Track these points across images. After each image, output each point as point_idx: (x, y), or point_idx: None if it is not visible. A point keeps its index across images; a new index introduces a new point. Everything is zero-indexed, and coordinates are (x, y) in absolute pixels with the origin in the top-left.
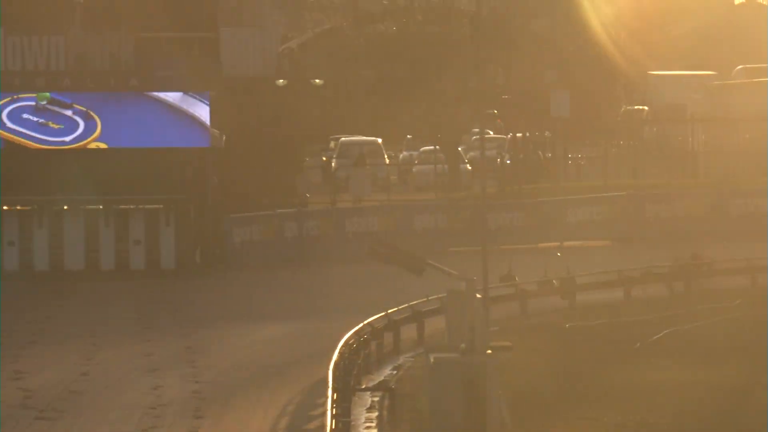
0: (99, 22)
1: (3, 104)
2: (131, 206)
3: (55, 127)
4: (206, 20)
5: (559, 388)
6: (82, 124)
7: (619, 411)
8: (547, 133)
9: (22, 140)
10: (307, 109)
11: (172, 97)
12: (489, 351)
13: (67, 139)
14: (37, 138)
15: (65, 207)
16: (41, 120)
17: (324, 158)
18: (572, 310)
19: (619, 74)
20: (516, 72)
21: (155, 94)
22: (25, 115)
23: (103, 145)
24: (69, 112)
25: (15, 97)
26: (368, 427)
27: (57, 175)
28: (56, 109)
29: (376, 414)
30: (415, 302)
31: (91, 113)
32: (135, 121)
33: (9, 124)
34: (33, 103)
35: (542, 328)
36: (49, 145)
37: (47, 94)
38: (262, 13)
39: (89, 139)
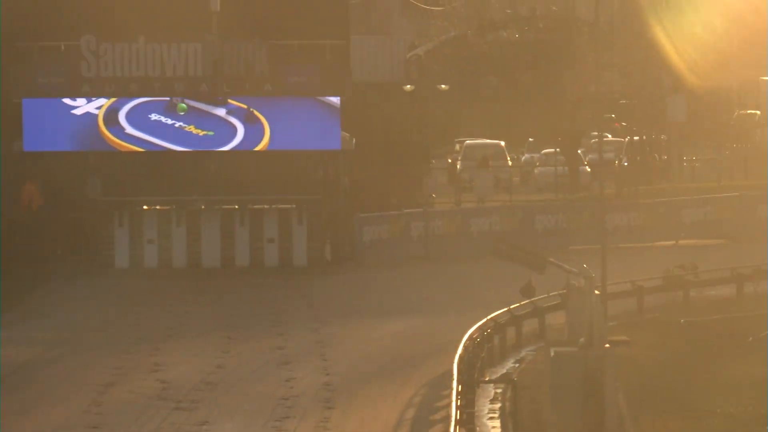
0: (234, 30)
1: (141, 108)
2: (265, 206)
3: (200, 133)
4: (337, 28)
5: (675, 381)
6: (235, 128)
7: (732, 403)
8: (663, 137)
9: (166, 144)
10: (433, 113)
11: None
12: (607, 345)
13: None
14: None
15: (202, 207)
16: (172, 122)
17: (449, 160)
18: (687, 305)
19: (732, 79)
20: (633, 77)
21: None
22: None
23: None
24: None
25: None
26: (491, 418)
27: (194, 176)
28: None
29: (499, 405)
30: (536, 298)
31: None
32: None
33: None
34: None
35: (658, 323)
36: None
37: (185, 106)
38: (390, 22)
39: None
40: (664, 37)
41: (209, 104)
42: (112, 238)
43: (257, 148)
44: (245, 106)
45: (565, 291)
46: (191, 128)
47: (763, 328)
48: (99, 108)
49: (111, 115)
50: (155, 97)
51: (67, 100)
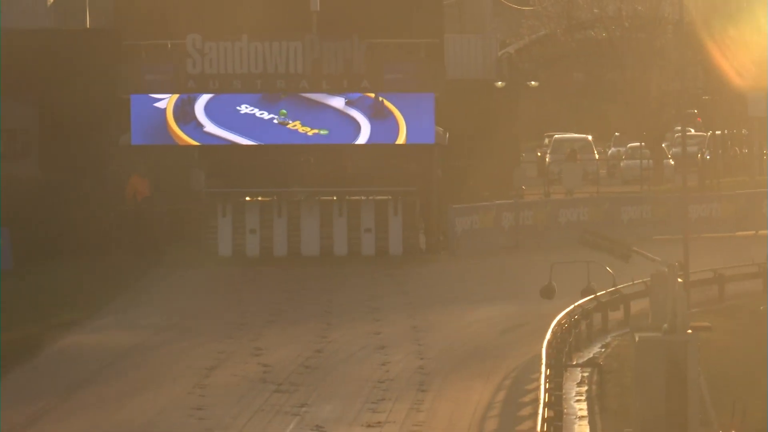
0: (333, 29)
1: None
2: (362, 197)
3: (298, 128)
4: (432, 27)
5: (756, 366)
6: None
7: None
8: (744, 131)
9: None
10: (524, 109)
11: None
12: (689, 331)
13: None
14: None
15: (302, 198)
16: (278, 119)
17: (539, 154)
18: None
19: None
20: (715, 74)
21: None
22: (249, 112)
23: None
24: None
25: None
26: (578, 401)
27: (295, 169)
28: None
29: (586, 388)
30: (621, 285)
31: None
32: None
33: (215, 128)
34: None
35: (738, 310)
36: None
37: (284, 111)
38: (482, 21)
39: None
40: (741, 36)
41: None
42: (216, 228)
43: (396, 142)
44: (373, 95)
45: (649, 279)
46: (297, 124)
47: None
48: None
49: (210, 110)
50: (257, 92)
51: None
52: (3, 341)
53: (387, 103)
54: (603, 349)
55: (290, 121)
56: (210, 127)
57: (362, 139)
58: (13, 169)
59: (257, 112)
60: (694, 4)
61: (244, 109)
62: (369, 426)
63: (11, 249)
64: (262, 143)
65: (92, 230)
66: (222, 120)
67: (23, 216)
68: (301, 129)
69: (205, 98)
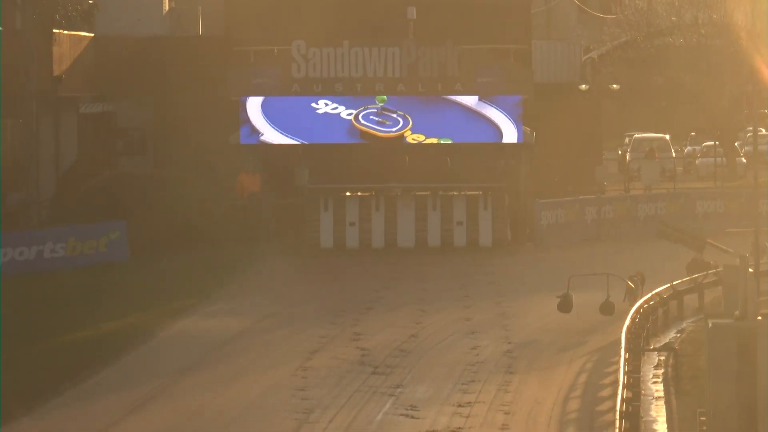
0: (428, 36)
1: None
2: (454, 192)
3: (389, 123)
4: (520, 34)
5: None
6: (407, 123)
7: None
8: None
9: (372, 130)
10: (605, 110)
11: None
12: (759, 317)
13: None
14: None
15: (399, 193)
16: (380, 119)
17: (619, 152)
18: None
19: None
20: None
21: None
22: (371, 115)
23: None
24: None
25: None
26: (655, 382)
27: (392, 166)
28: (389, 111)
29: (662, 371)
30: (699, 274)
31: (408, 116)
32: (450, 120)
33: (362, 121)
34: (374, 108)
35: None
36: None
37: (384, 96)
38: (567, 29)
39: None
40: None
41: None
42: (318, 222)
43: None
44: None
45: (722, 269)
46: (408, 132)
47: None
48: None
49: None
50: (357, 95)
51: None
52: (121, 327)
53: (484, 106)
54: (678, 335)
55: (390, 108)
56: (278, 125)
57: (463, 138)
58: (130, 166)
59: (342, 111)
60: (764, 11)
61: (334, 109)
62: (459, 406)
63: (127, 241)
64: (361, 142)
65: (203, 223)
66: (294, 118)
67: (139, 210)
68: (410, 137)
69: (326, 102)
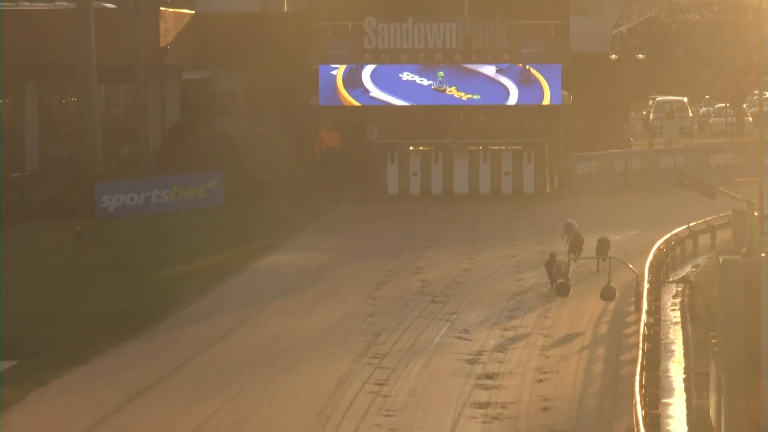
0: (481, 12)
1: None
2: (503, 147)
3: (455, 93)
4: (559, 11)
5: None
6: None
7: None
8: None
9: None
10: (632, 76)
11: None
12: (763, 254)
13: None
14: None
15: (455, 148)
16: (437, 85)
17: (644, 112)
18: None
19: None
20: None
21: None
22: (411, 79)
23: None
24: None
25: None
26: (673, 309)
27: (451, 125)
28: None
29: (679, 300)
30: (710, 218)
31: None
32: (498, 86)
33: (382, 94)
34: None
35: None
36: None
37: (442, 73)
38: (600, 6)
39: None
40: None
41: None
42: (386, 172)
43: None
44: (521, 65)
45: (732, 214)
46: (453, 90)
47: None
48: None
49: (380, 79)
50: (420, 63)
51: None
52: (216, 262)
53: (533, 71)
54: (693, 269)
55: (447, 86)
56: (375, 92)
57: (511, 101)
58: (225, 125)
59: (417, 79)
60: None
61: (407, 76)
62: (505, 330)
63: (223, 189)
64: (423, 104)
65: (287, 174)
66: (385, 86)
67: (232, 163)
68: (456, 94)
69: (369, 68)
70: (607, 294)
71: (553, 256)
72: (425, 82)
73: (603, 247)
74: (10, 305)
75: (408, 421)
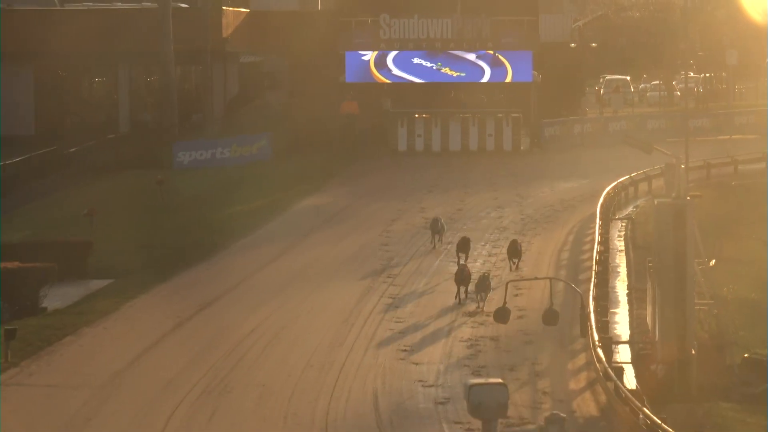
0: (470, 9)
1: (398, 56)
2: (488, 115)
3: (448, 71)
4: (531, 10)
5: (729, 218)
6: (481, 70)
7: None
8: (723, 74)
9: (417, 80)
10: (587, 60)
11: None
12: (688, 197)
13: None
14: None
15: (450, 115)
16: (436, 66)
17: (596, 88)
18: (736, 175)
19: None
20: (707, 37)
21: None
22: (418, 62)
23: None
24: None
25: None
26: (619, 240)
27: (445, 98)
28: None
29: (624, 233)
30: (648, 169)
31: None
32: (478, 67)
33: (398, 71)
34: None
35: (719, 184)
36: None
37: (440, 64)
38: (562, 5)
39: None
40: (727, 14)
41: (463, 51)
42: (396, 134)
43: (503, 81)
44: (492, 52)
45: (664, 166)
46: (447, 69)
47: None
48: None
49: (395, 60)
50: (423, 50)
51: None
52: (266, 203)
53: (500, 57)
54: (634, 209)
55: (444, 68)
56: (396, 71)
57: (485, 79)
58: (272, 97)
59: (424, 63)
60: None
61: (416, 60)
62: (489, 255)
63: (270, 146)
64: (427, 81)
65: (320, 135)
66: (403, 67)
67: (278, 125)
68: (449, 72)
69: (392, 54)
70: (549, 318)
71: (463, 267)
72: (428, 64)
73: (465, 244)
74: (108, 236)
75: (414, 327)
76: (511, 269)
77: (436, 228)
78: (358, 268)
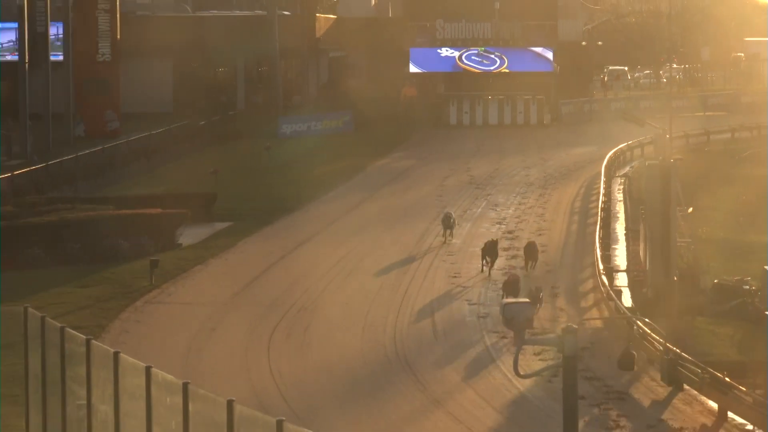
0: (506, 15)
1: (463, 53)
2: (517, 97)
3: (486, 62)
4: (551, 15)
5: (703, 176)
6: (497, 62)
7: (737, 186)
8: (698, 65)
9: (472, 69)
10: (595, 55)
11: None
12: (672, 159)
13: (492, 68)
14: (478, 68)
15: (489, 97)
16: (480, 59)
17: (602, 76)
18: (709, 143)
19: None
20: (680, 40)
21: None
22: (473, 57)
23: (505, 71)
24: (492, 56)
25: (466, 49)
26: (619, 192)
27: (484, 84)
28: (485, 54)
29: (622, 187)
30: (641, 138)
31: (503, 56)
32: (518, 59)
33: (465, 62)
34: (476, 51)
35: (696, 150)
36: (484, 70)
37: (483, 48)
38: (576, 12)
39: (501, 68)
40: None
41: (505, 49)
42: (449, 111)
43: (500, 69)
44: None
45: (653, 136)
46: (486, 61)
47: (746, 150)
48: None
49: (450, 54)
50: (471, 47)
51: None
52: (348, 164)
53: (527, 51)
54: (631, 168)
55: (489, 53)
56: (454, 63)
57: (515, 69)
58: (353, 84)
59: (472, 56)
60: (677, 5)
61: (465, 54)
62: (519, 204)
63: (352, 121)
64: (474, 69)
65: (389, 113)
66: (458, 59)
67: (357, 105)
68: (489, 64)
69: (447, 49)
70: (625, 362)
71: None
72: (474, 57)
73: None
74: (228, 190)
75: (461, 258)
76: (527, 270)
77: (447, 223)
78: (418, 214)
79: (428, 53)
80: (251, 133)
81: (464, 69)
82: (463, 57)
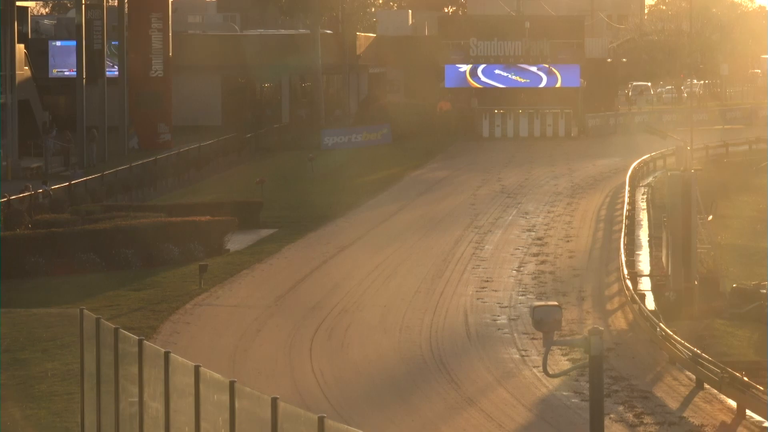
0: (534, 34)
1: (485, 68)
2: (546, 111)
3: (518, 79)
4: (577, 35)
5: (722, 185)
6: (540, 78)
7: (756, 192)
8: (718, 80)
9: (498, 85)
10: (619, 71)
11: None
12: (693, 170)
13: (539, 84)
14: (508, 83)
15: (520, 111)
16: (510, 75)
17: (626, 91)
18: (728, 154)
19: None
20: (700, 57)
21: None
22: (498, 72)
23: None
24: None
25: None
26: (642, 200)
27: (514, 97)
28: (516, 71)
29: (646, 196)
30: (663, 150)
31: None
32: (538, 76)
33: (484, 78)
34: (502, 69)
35: (715, 161)
36: (513, 86)
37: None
38: (601, 32)
39: (540, 85)
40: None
41: (529, 65)
42: (481, 123)
43: (554, 86)
44: (547, 66)
45: (675, 148)
46: (517, 77)
47: (763, 161)
48: (472, 69)
49: (482, 71)
50: (501, 64)
51: (462, 65)
52: (387, 174)
53: (553, 69)
54: (654, 178)
55: (515, 76)
56: (483, 79)
57: (542, 84)
58: (392, 98)
59: (503, 72)
60: (701, 23)
61: (498, 71)
62: (548, 212)
63: (390, 133)
64: (504, 86)
65: (425, 126)
66: (488, 76)
67: (395, 118)
68: (519, 80)
69: (481, 66)
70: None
71: None
72: (505, 73)
73: None
74: (274, 198)
75: (493, 263)
76: None
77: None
78: (453, 221)
79: (451, 70)
80: (295, 145)
81: (471, 85)
82: (479, 71)
